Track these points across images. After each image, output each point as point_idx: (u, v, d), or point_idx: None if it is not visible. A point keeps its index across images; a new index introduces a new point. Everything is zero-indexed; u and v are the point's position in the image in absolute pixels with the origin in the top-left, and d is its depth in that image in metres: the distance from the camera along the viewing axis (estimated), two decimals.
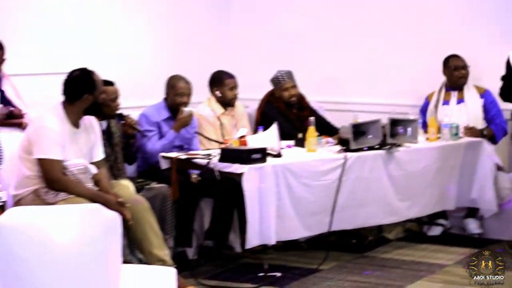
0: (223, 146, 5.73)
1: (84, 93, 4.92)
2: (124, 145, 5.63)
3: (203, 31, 7.62)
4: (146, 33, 7.12)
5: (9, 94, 5.68)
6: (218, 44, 7.77)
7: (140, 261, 5.09)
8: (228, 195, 5.64)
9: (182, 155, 5.67)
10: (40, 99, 5.72)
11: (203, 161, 5.51)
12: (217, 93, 6.38)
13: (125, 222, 4.65)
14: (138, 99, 6.51)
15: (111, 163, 5.41)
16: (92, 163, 5.02)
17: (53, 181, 4.80)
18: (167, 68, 6.50)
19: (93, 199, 4.65)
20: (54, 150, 4.80)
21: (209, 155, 5.56)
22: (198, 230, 5.90)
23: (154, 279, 4.27)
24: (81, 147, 4.98)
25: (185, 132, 6.04)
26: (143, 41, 7.08)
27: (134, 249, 5.13)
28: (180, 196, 5.57)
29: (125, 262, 3.73)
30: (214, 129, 6.31)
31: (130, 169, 5.91)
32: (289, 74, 6.63)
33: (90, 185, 4.94)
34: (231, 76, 6.42)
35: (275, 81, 6.66)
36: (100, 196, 4.82)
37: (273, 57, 7.57)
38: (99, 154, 5.11)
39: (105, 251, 3.26)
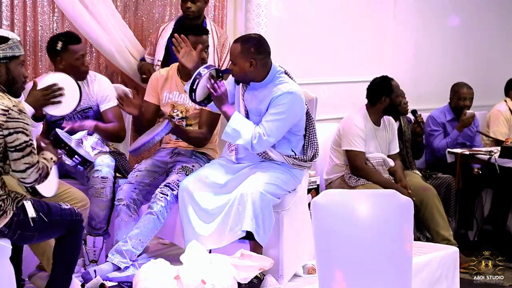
0: (503, 144, 6.23)
1: (383, 95, 5.60)
2: (413, 141, 6.20)
3: (492, 40, 7.98)
4: (438, 44, 7.51)
5: None
6: (508, 52, 8.14)
7: (427, 239, 5.64)
8: (507, 186, 6.11)
9: (466, 151, 6.22)
10: (349, 102, 6.37)
11: (485, 157, 6.05)
12: None
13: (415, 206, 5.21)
14: (426, 102, 7.01)
15: (403, 156, 6.03)
16: (388, 156, 5.66)
17: (357, 168, 5.49)
18: (454, 75, 6.98)
19: (387, 187, 5.18)
20: (358, 143, 5.49)
21: (490, 151, 6.09)
22: (478, 216, 6.38)
23: (440, 255, 4.90)
24: (380, 142, 5.64)
25: (467, 130, 6.56)
26: (434, 51, 7.50)
27: (422, 228, 5.68)
28: (462, 185, 6.09)
29: (414, 239, 4.04)
30: (509, 124, 6.79)
31: (419, 161, 6.44)
32: None
33: (386, 175, 5.55)
34: None
35: None
36: (394, 185, 5.37)
37: None
38: (395, 148, 5.76)
39: (399, 229, 3.47)
